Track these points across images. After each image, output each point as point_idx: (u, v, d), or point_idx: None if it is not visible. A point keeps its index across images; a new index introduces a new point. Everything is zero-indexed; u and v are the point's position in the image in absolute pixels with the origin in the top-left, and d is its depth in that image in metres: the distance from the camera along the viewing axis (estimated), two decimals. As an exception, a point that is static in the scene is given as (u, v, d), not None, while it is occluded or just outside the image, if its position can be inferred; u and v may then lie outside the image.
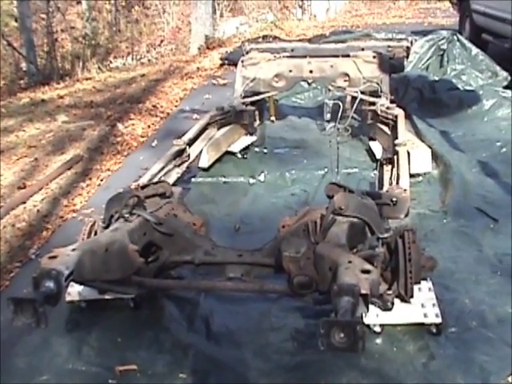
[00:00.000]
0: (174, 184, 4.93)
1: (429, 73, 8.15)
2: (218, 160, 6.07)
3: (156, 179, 4.67)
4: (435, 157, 5.62)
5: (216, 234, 4.64)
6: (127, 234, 3.25)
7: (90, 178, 6.15)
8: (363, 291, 2.52)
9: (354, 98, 6.32)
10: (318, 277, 2.93)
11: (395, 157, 4.86)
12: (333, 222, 3.07)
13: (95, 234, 3.69)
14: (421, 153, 5.32)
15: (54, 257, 3.00)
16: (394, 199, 3.95)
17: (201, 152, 5.77)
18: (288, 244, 3.06)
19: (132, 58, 16.75)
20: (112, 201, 3.60)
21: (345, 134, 6.33)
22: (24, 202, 5.60)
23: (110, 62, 16.50)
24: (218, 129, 6.18)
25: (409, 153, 5.17)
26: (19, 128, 8.14)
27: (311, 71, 6.48)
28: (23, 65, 15.89)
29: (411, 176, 5.25)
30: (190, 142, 5.52)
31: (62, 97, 10.00)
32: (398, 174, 4.48)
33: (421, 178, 5.36)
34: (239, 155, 6.27)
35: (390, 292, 3.26)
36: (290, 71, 6.54)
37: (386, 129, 5.78)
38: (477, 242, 4.28)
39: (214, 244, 3.62)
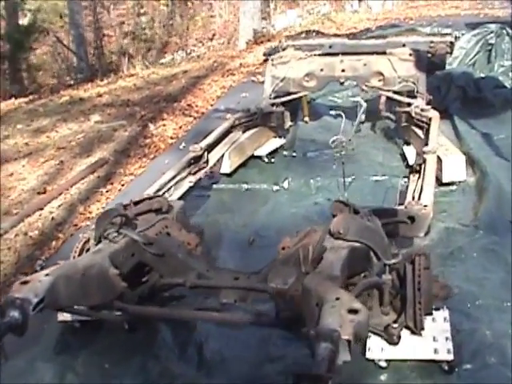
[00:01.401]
0: (185, 194, 4.71)
1: (475, 69, 7.67)
2: (242, 165, 5.80)
3: (165, 189, 4.45)
4: (472, 163, 5.22)
5: (228, 247, 4.47)
6: (108, 257, 3.03)
7: (112, 183, 5.97)
8: (345, 337, 2.21)
9: (388, 99, 5.98)
10: (305, 312, 2.62)
11: (423, 166, 4.49)
12: (323, 251, 2.75)
13: (87, 251, 3.48)
14: (454, 160, 4.92)
15: (26, 282, 2.81)
16: (412, 216, 3.63)
17: (223, 157, 5.51)
18: (276, 274, 2.77)
19: (183, 53, 16.61)
20: (101, 219, 3.39)
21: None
22: (41, 209, 5.46)
23: (161, 57, 16.42)
24: (243, 132, 5.90)
25: (441, 160, 4.82)
26: (52, 128, 8.06)
27: (343, 70, 6.14)
28: (73, 61, 15.92)
29: (444, 184, 4.91)
30: (211, 147, 5.28)
31: (100, 95, 9.90)
32: (421, 186, 4.11)
33: (455, 187, 4.96)
34: (266, 159, 5.97)
35: (395, 325, 2.94)
36: (322, 70, 6.21)
37: (420, 132, 5.39)
38: (506, 262, 3.87)
39: (209, 265, 3.36)
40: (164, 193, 4.39)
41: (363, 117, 6.28)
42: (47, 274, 2.87)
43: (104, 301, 3.02)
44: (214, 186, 5.50)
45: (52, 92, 10.83)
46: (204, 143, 5.15)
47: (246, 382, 3.06)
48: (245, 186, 5.48)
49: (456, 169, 4.90)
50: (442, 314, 3.11)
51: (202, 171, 5.07)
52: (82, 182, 6.02)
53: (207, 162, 5.15)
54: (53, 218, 5.24)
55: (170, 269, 3.29)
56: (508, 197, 4.63)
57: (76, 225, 5.12)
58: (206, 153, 5.12)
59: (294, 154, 6.11)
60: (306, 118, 6.80)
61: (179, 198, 4.54)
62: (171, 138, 7.21)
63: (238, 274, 3.27)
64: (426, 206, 3.72)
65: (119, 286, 3.01)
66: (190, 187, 4.82)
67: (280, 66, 6.36)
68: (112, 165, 6.43)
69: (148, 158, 6.57)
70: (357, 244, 2.94)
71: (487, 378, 2.95)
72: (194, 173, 4.93)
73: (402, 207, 3.77)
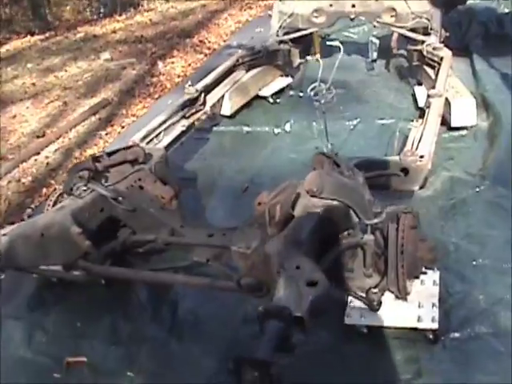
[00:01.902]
0: (177, 139, 4.49)
1: (499, 4, 7.16)
2: (246, 106, 5.54)
3: (154, 134, 4.25)
4: (487, 106, 4.88)
5: (221, 195, 4.27)
6: (71, 214, 2.87)
7: (112, 125, 5.79)
8: (297, 314, 2.02)
9: (401, 36, 5.64)
10: (267, 279, 2.43)
11: (427, 111, 4.19)
12: (289, 212, 2.53)
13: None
14: (464, 103, 4.59)
15: (-18, 243, 2.68)
16: (406, 168, 3.38)
17: (223, 98, 5.27)
18: (240, 236, 2.58)
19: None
20: (73, 171, 3.22)
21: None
22: (38, 153, 5.32)
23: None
24: (247, 71, 5.61)
25: (450, 103, 4.51)
26: (61, 67, 7.87)
27: (354, 5, 5.76)
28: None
29: (454, 129, 4.62)
30: (209, 88, 5.04)
31: (115, 31, 9.61)
32: (421, 134, 3.82)
33: (465, 132, 4.63)
34: (271, 100, 5.69)
35: (375, 290, 2.73)
36: (331, 5, 5.85)
37: (431, 72, 5.06)
38: (512, 218, 3.56)
39: (183, 221, 3.18)
40: (152, 139, 4.19)
41: (375, 54, 6.00)
42: (4, 234, 2.74)
43: (66, 261, 2.88)
44: (214, 128, 5.27)
45: (69, 28, 10.51)
46: (201, 84, 4.92)
47: (217, 347, 2.89)
48: (246, 128, 5.23)
49: (465, 113, 4.58)
50: (431, 277, 2.90)
51: (198, 114, 4.83)
52: (83, 124, 5.84)
53: (204, 104, 4.92)
54: (48, 164, 5.10)
55: (142, 225, 3.14)
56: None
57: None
58: (203, 94, 4.88)
59: (301, 94, 5.80)
60: (317, 56, 6.46)
61: (170, 144, 4.34)
62: (178, 76, 6.94)
63: (212, 230, 3.09)
64: (422, 156, 3.47)
65: (83, 244, 2.86)
66: (183, 131, 4.56)
67: (288, 2, 6.02)
68: (115, 105, 6.24)
69: (152, 98, 6.35)
70: (333, 202, 2.71)
71: (475, 349, 2.70)
72: (189, 116, 4.70)
73: (396, 158, 3.51)
